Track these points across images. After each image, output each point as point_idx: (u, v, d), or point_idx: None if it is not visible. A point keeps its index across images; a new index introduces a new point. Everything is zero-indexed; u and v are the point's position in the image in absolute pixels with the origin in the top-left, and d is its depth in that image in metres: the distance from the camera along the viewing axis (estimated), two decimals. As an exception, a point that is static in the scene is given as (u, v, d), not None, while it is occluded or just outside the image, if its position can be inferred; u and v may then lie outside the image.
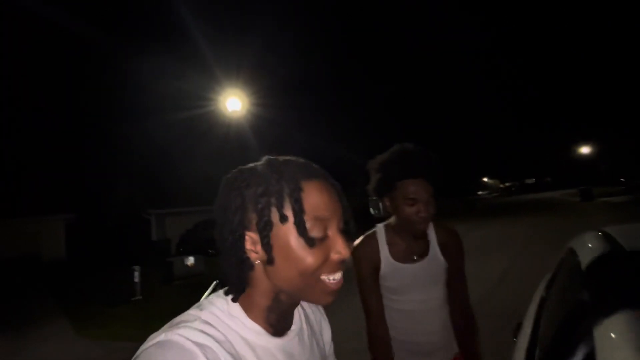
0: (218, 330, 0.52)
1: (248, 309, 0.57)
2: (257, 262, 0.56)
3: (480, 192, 61.26)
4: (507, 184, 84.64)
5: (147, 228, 17.28)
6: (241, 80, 15.40)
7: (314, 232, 0.53)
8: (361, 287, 1.30)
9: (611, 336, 0.62)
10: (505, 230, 12.35)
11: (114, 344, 5.00)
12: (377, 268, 1.28)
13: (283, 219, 0.53)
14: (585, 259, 1.02)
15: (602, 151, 44.98)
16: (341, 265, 0.56)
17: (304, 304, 0.70)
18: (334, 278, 0.55)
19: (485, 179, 78.33)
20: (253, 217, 0.54)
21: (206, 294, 0.62)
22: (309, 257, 0.53)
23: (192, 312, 0.55)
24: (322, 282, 0.55)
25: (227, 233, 0.55)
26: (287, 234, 0.53)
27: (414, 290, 1.27)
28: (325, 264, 0.54)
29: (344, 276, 0.58)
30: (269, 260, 0.54)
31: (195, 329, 0.50)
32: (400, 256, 1.27)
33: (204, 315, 0.54)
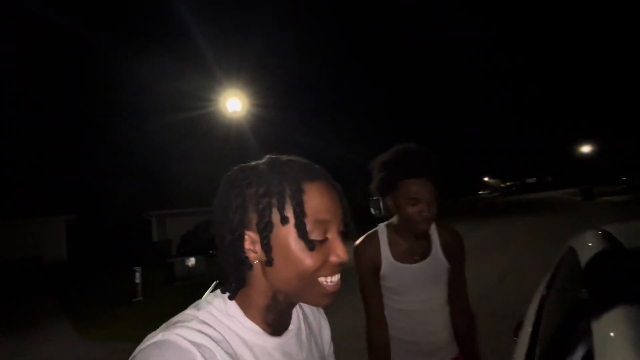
0: (215, 330, 0.52)
1: (246, 308, 0.57)
2: (256, 262, 0.56)
3: (481, 192, 61.18)
4: (508, 184, 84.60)
5: (148, 229, 17.30)
6: (241, 80, 15.41)
7: (314, 235, 0.53)
8: (362, 286, 1.31)
9: (610, 334, 0.62)
10: (506, 229, 12.33)
11: (115, 344, 5.00)
12: (377, 268, 1.28)
13: (284, 220, 0.52)
14: (584, 257, 1.02)
15: (603, 150, 44.92)
16: (339, 267, 0.56)
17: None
18: (331, 280, 0.55)
19: (486, 179, 78.27)
20: (253, 217, 0.54)
21: (206, 294, 0.62)
22: (308, 260, 0.53)
23: (190, 311, 0.55)
24: (320, 284, 0.55)
25: (227, 232, 0.55)
26: (287, 235, 0.53)
27: (415, 290, 1.26)
28: (323, 267, 0.54)
29: (345, 275, 0.58)
30: (268, 261, 0.54)
31: (193, 328, 0.50)
32: (402, 256, 1.26)
33: (201, 314, 0.54)
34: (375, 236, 1.31)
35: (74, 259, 15.05)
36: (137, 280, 7.68)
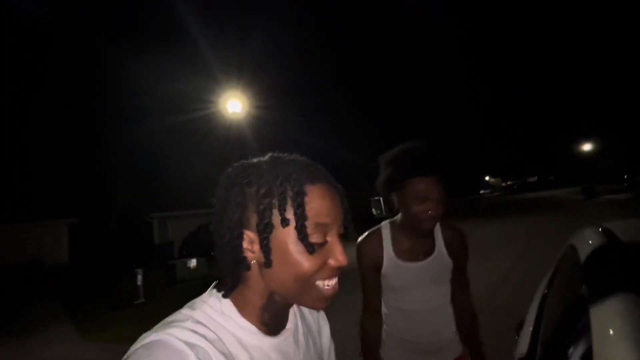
0: (210, 330, 0.51)
1: (241, 308, 0.56)
2: (253, 261, 0.55)
3: (482, 191, 61.08)
4: (509, 183, 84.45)
5: (150, 231, 17.32)
6: (242, 82, 15.42)
7: (314, 238, 0.52)
8: (362, 282, 1.32)
9: (609, 331, 0.62)
10: (507, 229, 12.31)
11: (117, 346, 5.00)
12: (379, 266, 1.27)
13: (284, 222, 0.52)
14: (584, 254, 1.02)
15: (604, 149, 44.81)
16: (338, 271, 0.55)
17: None
18: (329, 284, 0.55)
19: (487, 178, 78.15)
20: (253, 217, 0.53)
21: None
22: (306, 263, 0.52)
23: (185, 311, 0.54)
24: (317, 287, 0.54)
25: (225, 230, 0.54)
26: (287, 237, 0.52)
27: (417, 289, 1.26)
28: (322, 270, 0.54)
29: (347, 275, 0.57)
30: (266, 263, 0.53)
31: (187, 328, 0.49)
32: (404, 254, 1.26)
33: (196, 314, 0.53)
34: (378, 234, 1.31)
35: (75, 261, 15.06)
36: (139, 282, 7.69)
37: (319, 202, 0.53)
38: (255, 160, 0.58)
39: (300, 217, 0.51)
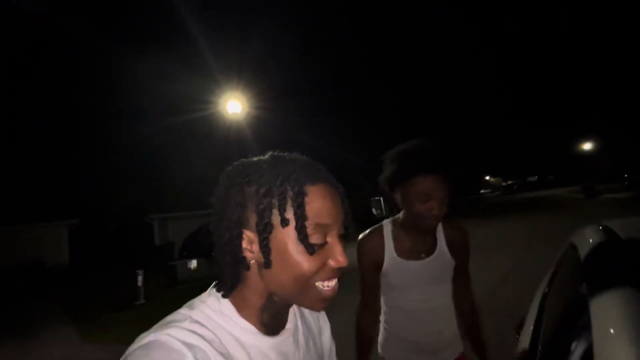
0: (208, 330, 0.51)
1: (240, 308, 0.56)
2: (252, 261, 0.54)
3: (482, 191, 61.08)
4: (509, 182, 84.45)
5: (150, 232, 17.32)
6: (242, 82, 15.45)
7: (314, 239, 0.52)
8: (361, 279, 1.32)
9: (609, 329, 0.62)
10: (508, 228, 12.30)
11: (118, 347, 5.00)
12: (379, 263, 1.27)
13: (284, 222, 0.51)
14: (584, 252, 1.02)
15: (604, 148, 44.81)
16: (337, 272, 0.55)
17: None
18: (328, 285, 0.54)
19: (487, 178, 78.17)
20: (252, 217, 0.53)
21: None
22: (306, 263, 0.52)
23: (183, 311, 0.54)
24: (316, 288, 0.53)
25: (224, 229, 0.54)
26: (286, 238, 0.52)
27: (418, 288, 1.25)
28: (321, 271, 0.53)
29: (348, 276, 0.57)
30: (266, 263, 0.52)
31: (185, 328, 0.49)
32: (406, 253, 1.25)
33: (195, 314, 0.53)
34: (380, 231, 1.30)
35: (76, 262, 15.07)
36: (140, 284, 7.70)
37: (319, 203, 0.52)
38: (255, 159, 0.58)
39: (301, 218, 0.51)
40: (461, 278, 1.33)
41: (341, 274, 0.56)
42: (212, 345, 0.49)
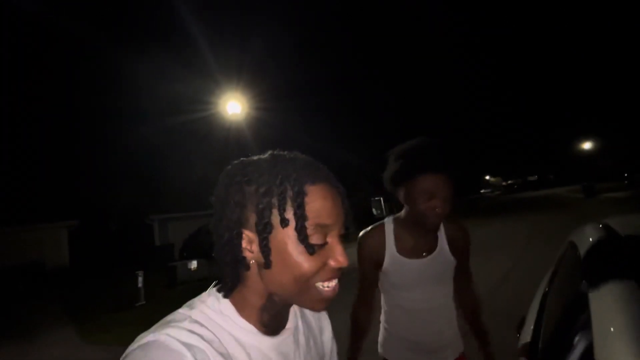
0: (208, 330, 0.51)
1: (240, 308, 0.55)
2: (252, 261, 0.54)
3: (482, 190, 61.09)
4: (509, 182, 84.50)
5: (150, 233, 17.32)
6: (241, 83, 15.44)
7: (314, 239, 0.51)
8: (359, 273, 1.33)
9: (608, 324, 0.62)
10: (508, 228, 12.31)
11: (118, 348, 4.99)
12: (379, 262, 1.27)
13: (284, 222, 0.50)
14: (584, 250, 1.02)
15: (604, 147, 44.82)
16: (338, 273, 0.54)
17: None
18: (329, 285, 0.54)
19: (487, 177, 78.18)
20: (252, 216, 0.52)
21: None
22: (306, 264, 0.51)
23: (183, 310, 0.53)
24: (317, 289, 0.53)
25: (224, 229, 0.54)
26: (286, 238, 0.51)
27: (419, 287, 1.25)
28: (321, 271, 0.53)
29: (348, 275, 0.57)
30: (266, 264, 0.52)
31: (184, 328, 0.48)
32: (407, 251, 1.25)
33: (194, 314, 0.52)
34: (381, 229, 1.30)
35: (76, 264, 15.07)
36: (140, 285, 7.69)
37: (319, 203, 0.52)
38: (255, 157, 0.57)
39: (300, 218, 0.50)
40: (462, 277, 1.33)
41: (342, 274, 0.56)
42: (211, 345, 0.48)
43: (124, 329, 5.92)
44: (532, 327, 1.37)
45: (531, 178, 77.84)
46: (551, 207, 19.07)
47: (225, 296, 0.56)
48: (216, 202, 0.56)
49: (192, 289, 8.89)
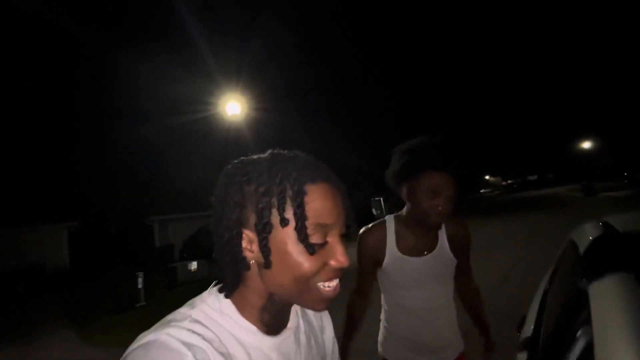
0: (209, 329, 0.50)
1: (241, 307, 0.55)
2: (252, 261, 0.53)
3: (482, 190, 61.13)
4: (509, 181, 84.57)
5: (150, 234, 17.32)
6: (241, 84, 15.45)
7: (315, 239, 0.51)
8: (358, 266, 1.34)
9: (608, 320, 0.62)
10: (508, 227, 12.31)
11: (119, 349, 4.98)
12: (378, 260, 1.28)
13: (283, 222, 0.50)
14: (583, 247, 1.02)
15: (603, 146, 44.85)
16: (339, 272, 0.54)
17: None
18: (329, 285, 0.53)
19: (487, 177, 78.24)
20: (251, 216, 0.52)
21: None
22: (306, 264, 0.51)
23: (183, 310, 0.53)
24: (317, 289, 0.53)
25: (224, 229, 0.53)
26: (286, 238, 0.51)
27: (419, 285, 1.25)
28: (322, 271, 0.52)
29: (349, 275, 0.56)
30: (265, 264, 0.52)
31: (185, 327, 0.48)
32: (407, 249, 1.25)
33: (195, 313, 0.52)
34: (382, 226, 1.30)
35: (76, 265, 15.07)
36: (140, 286, 7.68)
37: (319, 203, 0.51)
38: (255, 157, 0.57)
39: (300, 218, 0.50)
40: (464, 275, 1.35)
41: (343, 274, 0.55)
42: (212, 345, 0.48)
43: (124, 330, 5.92)
44: (532, 324, 1.38)
45: (531, 177, 77.92)
46: (551, 206, 19.08)
47: (226, 296, 0.55)
48: (216, 202, 0.56)
49: (193, 289, 8.88)
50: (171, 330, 0.47)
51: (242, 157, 0.58)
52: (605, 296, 0.69)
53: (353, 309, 1.37)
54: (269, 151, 0.57)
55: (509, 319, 1.97)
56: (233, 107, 11.58)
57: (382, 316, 1.39)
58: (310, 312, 0.70)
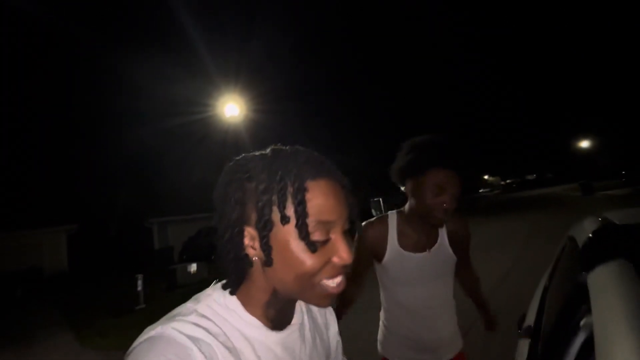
0: (214, 324, 0.51)
1: (246, 303, 0.55)
2: (255, 258, 0.53)
3: (481, 190, 61.21)
4: (508, 181, 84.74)
5: (150, 236, 17.28)
6: (239, 85, 15.45)
7: (316, 236, 0.50)
8: (356, 257, 1.33)
9: (608, 317, 0.62)
10: (507, 227, 12.32)
11: (118, 353, 4.98)
12: (380, 253, 1.28)
13: (284, 220, 0.49)
14: (582, 242, 1.03)
15: (602, 145, 44.96)
16: (343, 269, 0.53)
17: None
18: (334, 282, 0.53)
19: (486, 177, 78.35)
20: (252, 214, 0.51)
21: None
22: (308, 261, 0.50)
23: (189, 304, 0.54)
24: (321, 285, 0.52)
25: (225, 227, 0.53)
26: (287, 235, 0.50)
27: (419, 282, 1.26)
28: (325, 268, 0.52)
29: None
30: (267, 261, 0.52)
31: (190, 322, 0.48)
32: (408, 244, 1.25)
33: (201, 308, 0.52)
34: (384, 221, 1.30)
35: (75, 268, 15.01)
36: (139, 288, 7.65)
37: (321, 199, 0.50)
38: (257, 153, 0.56)
39: (301, 215, 0.49)
40: (465, 272, 1.39)
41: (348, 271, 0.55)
42: (217, 339, 0.49)
43: (124, 333, 5.89)
44: (532, 321, 1.38)
45: (530, 177, 78.11)
46: (549, 205, 19.10)
47: (230, 292, 0.56)
48: (217, 200, 0.55)
49: (192, 291, 8.75)
50: (177, 324, 0.47)
51: (244, 154, 0.57)
52: (604, 285, 0.69)
53: (346, 293, 1.36)
54: (271, 147, 0.57)
55: (509, 318, 1.97)
56: (231, 108, 11.59)
57: (382, 315, 1.39)
58: (314, 309, 0.70)
